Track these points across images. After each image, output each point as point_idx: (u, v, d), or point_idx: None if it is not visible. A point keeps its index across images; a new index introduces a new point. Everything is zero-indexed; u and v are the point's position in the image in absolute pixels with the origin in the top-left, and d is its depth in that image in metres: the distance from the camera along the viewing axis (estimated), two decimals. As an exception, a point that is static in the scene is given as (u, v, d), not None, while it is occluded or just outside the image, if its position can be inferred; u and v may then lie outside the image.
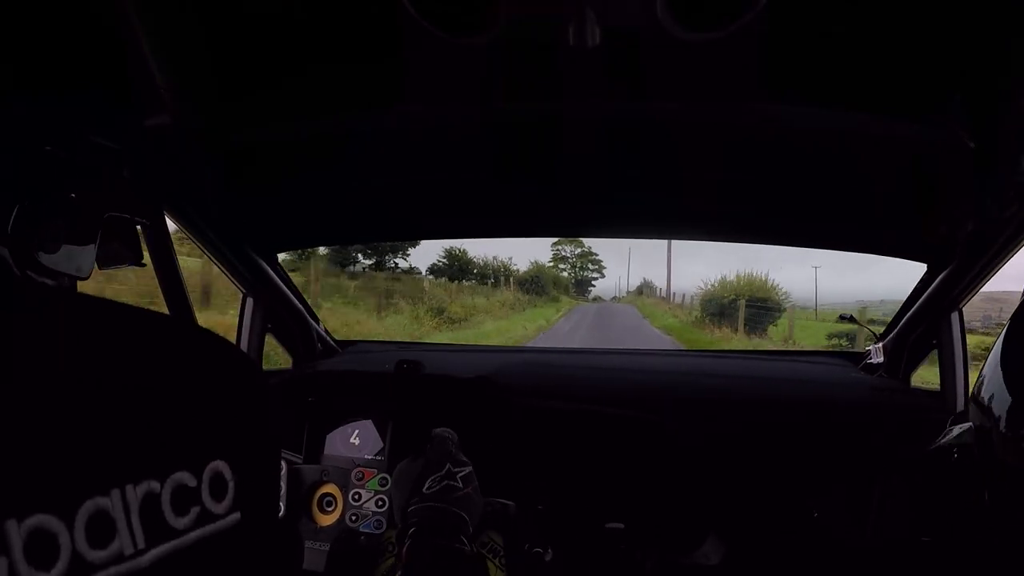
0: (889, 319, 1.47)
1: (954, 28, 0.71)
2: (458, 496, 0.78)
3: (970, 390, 1.23)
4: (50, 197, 0.50)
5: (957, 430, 0.87)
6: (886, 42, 0.75)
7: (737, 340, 14.42)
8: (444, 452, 0.83)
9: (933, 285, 1.24)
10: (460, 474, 0.81)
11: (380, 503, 1.07)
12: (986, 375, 0.71)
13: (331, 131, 1.00)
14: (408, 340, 7.38)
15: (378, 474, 1.09)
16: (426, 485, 0.78)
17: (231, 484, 0.37)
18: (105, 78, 0.69)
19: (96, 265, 0.61)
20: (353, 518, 1.07)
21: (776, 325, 15.92)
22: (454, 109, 0.93)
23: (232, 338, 1.39)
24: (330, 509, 1.09)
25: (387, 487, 1.07)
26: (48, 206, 0.49)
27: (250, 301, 1.40)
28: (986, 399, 0.70)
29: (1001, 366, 0.67)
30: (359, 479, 1.09)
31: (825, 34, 0.75)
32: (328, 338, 1.60)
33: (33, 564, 0.27)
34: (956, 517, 0.82)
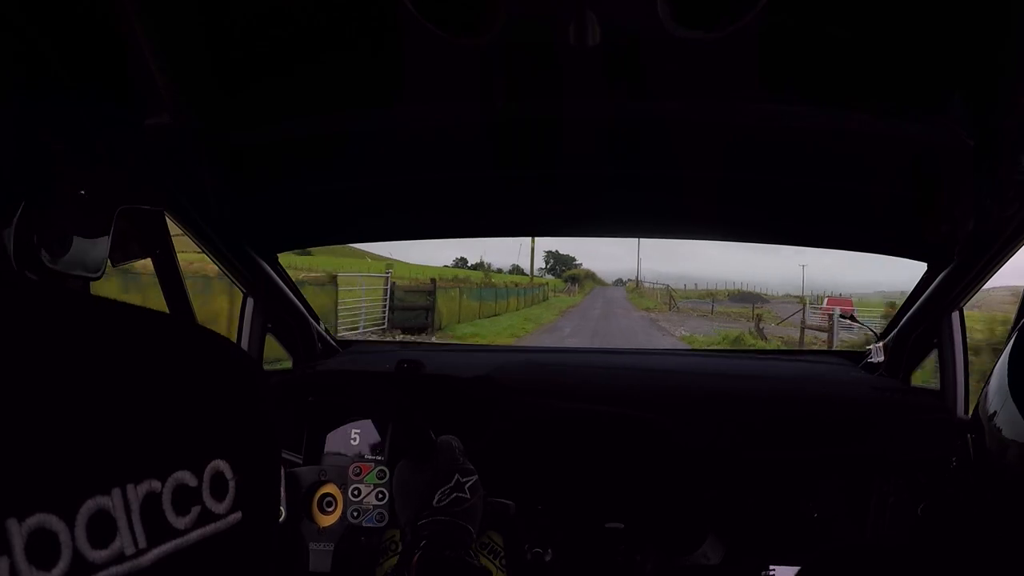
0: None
1: (954, 28, 0.71)
2: (466, 508, 0.79)
3: (971, 390, 1.24)
4: (58, 194, 0.49)
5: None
6: (886, 42, 0.75)
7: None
8: (451, 461, 0.83)
9: (933, 285, 1.24)
10: (467, 484, 0.81)
11: (380, 496, 1.07)
12: (992, 386, 0.71)
13: (331, 131, 1.00)
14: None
15: (376, 467, 1.09)
16: (436, 498, 0.79)
17: (232, 483, 0.37)
18: (105, 78, 0.69)
19: (109, 263, 0.60)
20: (355, 514, 1.07)
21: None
22: (454, 109, 0.93)
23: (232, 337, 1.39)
24: (330, 509, 1.09)
25: (385, 480, 1.07)
26: (56, 204, 0.48)
27: (250, 301, 1.39)
28: (990, 410, 0.71)
29: (1009, 377, 0.67)
30: (356, 474, 1.09)
31: (825, 34, 0.75)
32: (328, 338, 1.60)
33: (34, 563, 0.27)
34: (954, 520, 0.82)
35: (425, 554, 0.72)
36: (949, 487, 0.99)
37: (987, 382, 0.75)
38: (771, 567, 1.17)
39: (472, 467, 0.84)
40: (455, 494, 0.79)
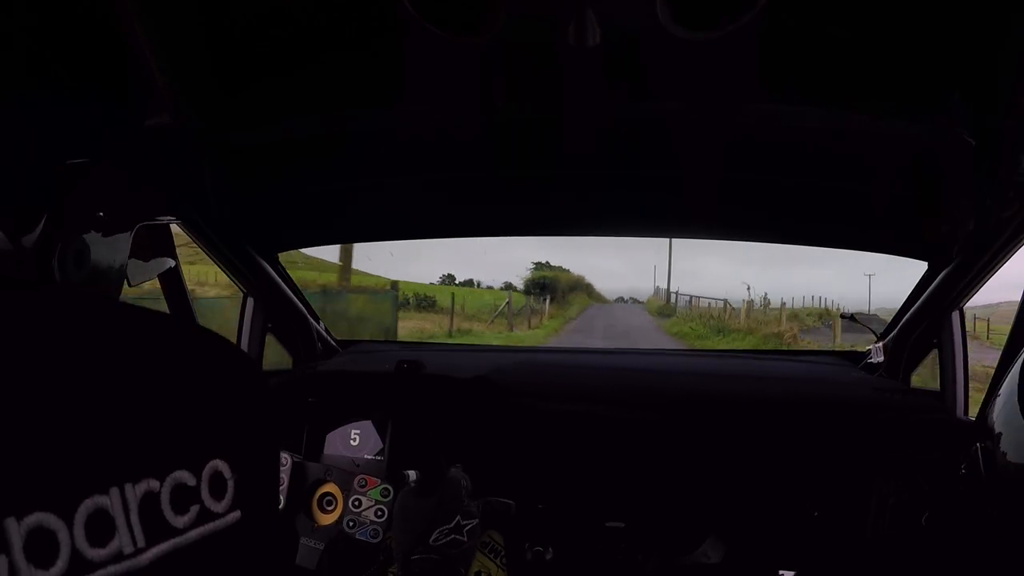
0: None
1: (954, 28, 0.71)
2: (462, 550, 0.79)
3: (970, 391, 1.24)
4: (76, 216, 0.49)
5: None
6: (886, 42, 0.75)
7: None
8: (456, 500, 0.83)
9: (933, 285, 1.24)
10: (467, 527, 0.81)
11: (379, 513, 1.06)
12: (1002, 399, 0.68)
13: (332, 131, 1.00)
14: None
15: (381, 484, 1.09)
16: (433, 536, 0.79)
17: (231, 483, 0.37)
18: (105, 78, 0.69)
19: (127, 283, 0.60)
20: (351, 524, 1.07)
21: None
22: (454, 109, 0.94)
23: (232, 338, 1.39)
24: (330, 509, 1.09)
25: (389, 498, 1.07)
26: (74, 226, 0.48)
27: (250, 301, 1.40)
28: (999, 424, 0.68)
29: (1019, 395, 0.63)
30: (361, 486, 1.09)
31: (824, 34, 0.75)
32: (328, 338, 1.60)
33: (33, 562, 0.27)
34: (957, 522, 0.81)
35: None
36: (956, 494, 0.98)
37: (993, 395, 0.71)
38: (782, 573, 1.17)
39: (475, 510, 0.84)
40: (453, 536, 0.79)
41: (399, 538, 0.82)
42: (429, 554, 0.77)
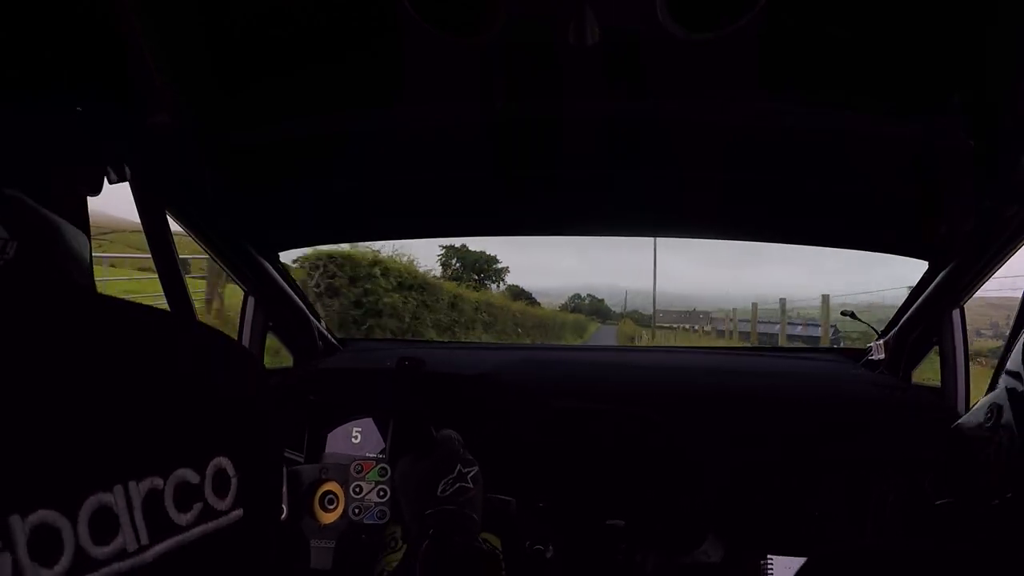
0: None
1: (954, 28, 0.71)
2: (470, 497, 0.79)
3: (971, 387, 1.24)
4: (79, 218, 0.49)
5: (987, 400, 0.85)
6: (885, 42, 0.75)
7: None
8: (453, 452, 0.84)
9: (934, 283, 1.24)
10: (470, 474, 0.81)
11: (381, 493, 1.08)
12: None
13: (332, 130, 1.00)
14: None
15: (377, 464, 1.10)
16: (440, 488, 0.79)
17: (234, 480, 0.37)
18: (105, 78, 0.69)
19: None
20: (356, 511, 1.07)
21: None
22: (454, 109, 0.94)
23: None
24: (332, 507, 1.09)
25: (387, 477, 1.08)
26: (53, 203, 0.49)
27: (251, 300, 1.40)
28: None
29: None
30: (358, 472, 1.10)
31: (824, 34, 0.75)
32: (329, 336, 1.60)
33: (37, 559, 0.27)
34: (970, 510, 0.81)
35: (434, 542, 0.73)
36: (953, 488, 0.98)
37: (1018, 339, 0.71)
38: (770, 557, 1.17)
39: (472, 458, 0.85)
40: (459, 484, 0.79)
41: (407, 503, 0.82)
42: (441, 506, 0.77)
